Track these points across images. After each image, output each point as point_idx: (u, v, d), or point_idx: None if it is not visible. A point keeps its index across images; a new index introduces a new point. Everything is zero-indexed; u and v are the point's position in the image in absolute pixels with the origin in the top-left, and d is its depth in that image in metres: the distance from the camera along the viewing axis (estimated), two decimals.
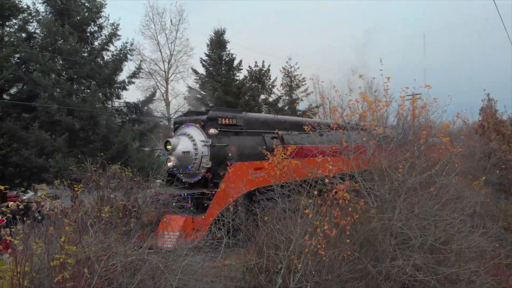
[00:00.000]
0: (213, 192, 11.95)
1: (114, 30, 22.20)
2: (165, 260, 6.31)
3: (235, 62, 33.78)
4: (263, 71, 37.63)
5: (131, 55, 22.82)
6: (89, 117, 20.59)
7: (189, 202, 12.19)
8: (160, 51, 27.92)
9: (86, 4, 21.53)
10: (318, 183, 7.72)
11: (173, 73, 29.02)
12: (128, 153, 21.66)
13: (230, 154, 12.90)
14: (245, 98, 32.02)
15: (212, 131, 12.54)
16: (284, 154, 9.85)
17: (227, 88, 31.93)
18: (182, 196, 12.40)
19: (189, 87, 32.21)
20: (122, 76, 23.43)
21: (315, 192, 7.20)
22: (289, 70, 40.37)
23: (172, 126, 30.53)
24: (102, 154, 18.00)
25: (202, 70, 33.21)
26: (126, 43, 22.58)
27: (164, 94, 28.08)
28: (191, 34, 71.55)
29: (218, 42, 32.76)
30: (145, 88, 26.75)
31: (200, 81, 33.04)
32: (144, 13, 28.24)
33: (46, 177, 19.36)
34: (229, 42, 33.23)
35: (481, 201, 11.50)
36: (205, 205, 11.97)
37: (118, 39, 22.52)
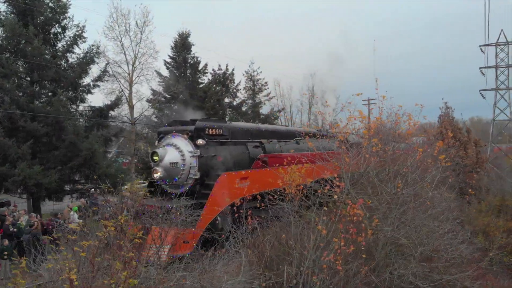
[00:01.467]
0: (203, 203, 11.94)
1: (80, 32, 21.37)
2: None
3: (200, 65, 33.59)
4: (227, 75, 37.76)
5: (98, 58, 22.05)
6: (55, 123, 19.70)
7: (177, 213, 12.06)
8: (125, 53, 27.14)
9: (50, 4, 20.56)
10: (324, 197, 8.02)
11: (137, 76, 28.31)
12: (96, 160, 20.99)
13: (216, 165, 12.99)
14: (210, 102, 31.92)
15: (200, 141, 12.50)
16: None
17: (192, 92, 31.68)
18: (170, 208, 12.26)
19: (152, 89, 31.59)
20: (87, 79, 22.67)
21: (325, 208, 7.49)
22: (252, 74, 40.81)
23: (135, 130, 29.78)
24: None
25: (166, 73, 32.72)
26: (93, 45, 21.82)
27: (128, 97, 27.31)
28: (156, 36, 69.99)
29: (182, 45, 32.42)
30: (108, 91, 25.93)
31: (164, 83, 32.50)
32: (108, 14, 27.19)
33: (10, 186, 18.38)
34: (194, 45, 33.01)
35: (450, 207, 12.39)
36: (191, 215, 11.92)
37: (84, 41, 21.71)
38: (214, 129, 13.36)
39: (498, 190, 18.89)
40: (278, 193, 11.20)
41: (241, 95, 39.84)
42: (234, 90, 38.84)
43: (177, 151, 12.50)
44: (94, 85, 22.91)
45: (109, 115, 24.14)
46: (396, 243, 8.67)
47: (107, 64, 23.79)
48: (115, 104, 23.87)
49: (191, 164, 12.42)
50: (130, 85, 27.76)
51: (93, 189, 22.27)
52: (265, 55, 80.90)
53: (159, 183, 13.09)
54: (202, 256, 10.41)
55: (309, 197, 9.56)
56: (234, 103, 38.67)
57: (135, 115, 28.88)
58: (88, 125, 22.53)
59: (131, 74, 27.60)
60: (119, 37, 25.90)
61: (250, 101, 39.76)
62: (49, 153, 20.64)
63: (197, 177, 12.43)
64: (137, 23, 26.72)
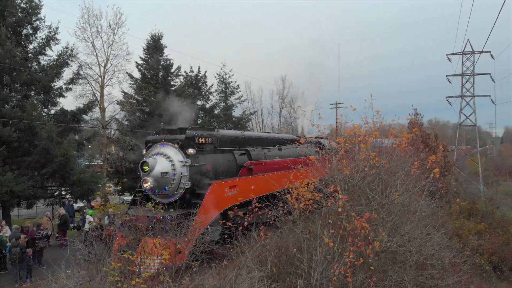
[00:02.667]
0: (194, 212, 11.93)
1: (53, 33, 20.65)
2: None
3: (173, 68, 33.20)
4: (199, 77, 37.60)
5: (71, 60, 21.38)
6: (27, 128, 18.94)
7: (167, 223, 11.99)
8: (96, 55, 26.32)
9: (22, 4, 19.73)
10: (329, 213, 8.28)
11: (109, 78, 27.55)
12: (70, 166, 20.38)
13: (206, 173, 13.02)
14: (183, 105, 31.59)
15: (190, 151, 12.48)
16: None
17: (165, 95, 31.25)
18: (161, 218, 12.16)
19: (123, 92, 30.87)
20: (59, 82, 21.92)
21: (330, 221, 7.75)
22: (224, 76, 40.81)
23: (106, 134, 28.99)
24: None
25: (138, 75, 32.08)
26: (66, 47, 21.12)
27: (100, 100, 26.50)
28: (129, 37, 68.24)
29: (155, 47, 31.92)
30: (78, 94, 25.02)
31: (135, 86, 31.86)
32: (79, 15, 26.21)
33: None
34: (166, 47, 32.56)
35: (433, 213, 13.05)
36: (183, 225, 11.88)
37: (57, 43, 20.99)
38: (204, 138, 13.38)
39: (467, 193, 19.99)
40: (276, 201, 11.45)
41: (213, 97, 39.85)
42: (207, 93, 38.76)
43: (167, 161, 12.43)
44: (66, 88, 22.24)
45: (82, 119, 23.46)
46: (388, 251, 9.07)
47: (79, 66, 23.04)
48: (88, 107, 23.21)
49: (182, 173, 12.39)
50: (102, 88, 26.97)
51: (68, 196, 21.61)
52: (237, 57, 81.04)
53: (148, 193, 12.95)
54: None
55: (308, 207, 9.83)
56: (207, 105, 38.58)
57: (107, 118, 28.10)
58: (61, 129, 21.78)
59: (102, 77, 26.83)
60: (91, 38, 25.08)
61: (222, 104, 39.77)
62: (21, 159, 19.84)
63: (188, 186, 12.40)
64: (109, 25, 25.97)
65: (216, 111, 38.96)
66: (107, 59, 27.26)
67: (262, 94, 53.43)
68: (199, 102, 36.89)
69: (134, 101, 29.73)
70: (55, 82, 20.99)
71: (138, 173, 13.34)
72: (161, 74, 32.25)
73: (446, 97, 31.23)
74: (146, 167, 12.17)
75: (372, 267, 7.15)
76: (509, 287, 14.89)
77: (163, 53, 32.64)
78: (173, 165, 12.37)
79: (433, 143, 23.11)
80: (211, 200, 12.46)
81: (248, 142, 15.86)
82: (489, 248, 15.40)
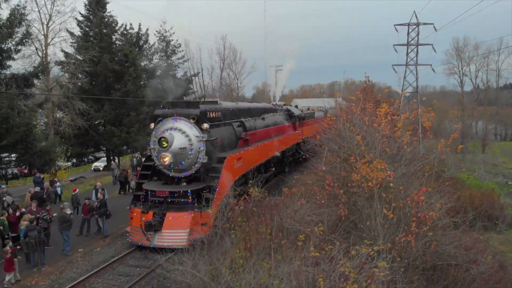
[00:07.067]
0: (215, 185, 12.37)
1: None
2: None
3: (117, 26, 31.12)
4: (140, 34, 35.53)
5: (23, 20, 19.24)
6: None
7: (189, 197, 12.31)
8: (39, 11, 23.71)
9: None
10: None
11: (52, 38, 25.08)
12: (32, 137, 19.00)
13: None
14: (134, 67, 30.17)
15: (205, 125, 12.67)
16: None
17: (112, 56, 29.45)
18: (180, 192, 12.42)
19: (64, 51, 28.36)
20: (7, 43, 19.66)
21: (384, 195, 8.95)
22: (164, 34, 39.04)
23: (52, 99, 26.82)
24: None
25: (80, 33, 29.59)
26: (18, 5, 18.90)
27: (44, 61, 24.13)
28: None
29: (97, 2, 29.48)
30: (22, 55, 22.53)
31: (76, 44, 29.39)
32: None
33: None
34: (109, 3, 30.26)
35: None
36: (206, 198, 12.29)
37: (6, 1, 18.68)
38: (213, 112, 13.60)
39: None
40: None
41: (156, 59, 38.18)
42: (149, 53, 37.01)
43: (183, 136, 12.52)
44: (15, 50, 20.05)
45: (34, 83, 21.51)
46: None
47: (28, 25, 20.73)
48: (41, 70, 21.28)
49: (199, 148, 12.60)
50: (46, 48, 24.62)
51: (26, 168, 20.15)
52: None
53: (161, 168, 12.98)
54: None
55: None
56: (148, 67, 36.88)
57: (51, 81, 25.88)
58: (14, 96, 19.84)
59: (46, 36, 24.41)
60: None
61: (164, 64, 38.31)
62: None
63: (205, 161, 12.69)
64: None
65: (158, 73, 37.54)
66: (50, 16, 24.77)
67: (201, 54, 52.37)
68: (142, 63, 35.20)
69: (74, 61, 27.42)
70: (6, 44, 18.82)
71: (149, 148, 13.19)
72: (105, 31, 30.09)
73: (392, 65, 34.08)
74: (165, 143, 12.15)
75: (430, 233, 8.53)
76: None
77: (106, 9, 30.32)
78: (189, 140, 12.50)
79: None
80: (226, 173, 12.96)
81: (242, 114, 16.32)
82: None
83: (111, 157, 31.83)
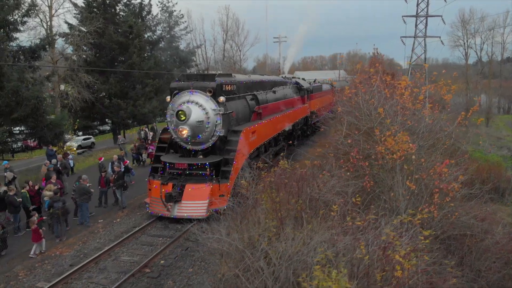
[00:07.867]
0: (231, 158, 12.50)
1: None
2: None
3: None
4: (143, 5, 34.87)
5: None
6: None
7: (207, 169, 12.46)
8: None
9: None
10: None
11: (57, 10, 24.73)
12: (43, 110, 19.00)
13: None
14: (138, 39, 29.76)
15: (221, 99, 12.66)
16: None
17: (116, 27, 29.03)
18: (198, 165, 12.55)
19: (68, 23, 27.95)
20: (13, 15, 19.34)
21: (406, 167, 9.09)
22: (167, 5, 38.36)
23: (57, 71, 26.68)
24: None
25: (82, 4, 29.05)
26: None
27: (49, 33, 23.83)
28: None
29: None
30: (28, 28, 22.21)
31: (80, 16, 28.93)
32: None
33: None
34: None
35: None
36: (223, 171, 12.45)
37: None
38: (229, 85, 13.57)
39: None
40: None
41: (159, 30, 37.62)
42: (152, 24, 36.43)
43: (200, 109, 12.54)
44: (21, 22, 19.75)
45: (42, 55, 21.31)
46: None
47: None
48: (48, 42, 21.04)
49: (216, 121, 12.64)
50: (50, 19, 24.25)
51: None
52: None
53: (178, 141, 13.07)
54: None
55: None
56: (151, 38, 36.41)
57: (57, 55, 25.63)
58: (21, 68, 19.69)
59: (51, 7, 24.01)
60: None
61: (168, 36, 37.80)
62: None
63: (222, 134, 12.77)
64: None
65: (161, 45, 37.09)
66: None
67: (203, 24, 51.62)
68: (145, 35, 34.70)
69: (78, 33, 27.06)
70: (14, 16, 18.54)
71: (166, 121, 13.22)
72: (108, 1, 29.55)
73: (401, 37, 33.75)
74: (183, 116, 12.19)
75: (452, 204, 8.74)
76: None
77: None
78: (206, 113, 12.53)
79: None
80: (242, 146, 13.06)
81: (255, 87, 16.27)
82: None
83: (116, 131, 31.85)
